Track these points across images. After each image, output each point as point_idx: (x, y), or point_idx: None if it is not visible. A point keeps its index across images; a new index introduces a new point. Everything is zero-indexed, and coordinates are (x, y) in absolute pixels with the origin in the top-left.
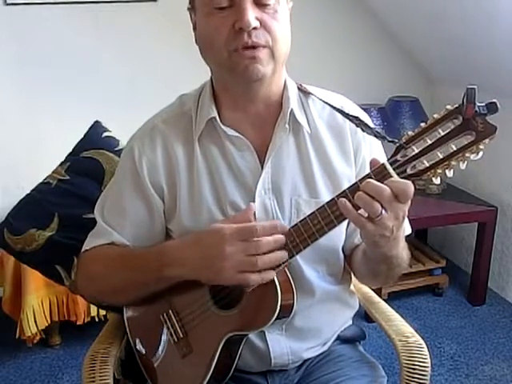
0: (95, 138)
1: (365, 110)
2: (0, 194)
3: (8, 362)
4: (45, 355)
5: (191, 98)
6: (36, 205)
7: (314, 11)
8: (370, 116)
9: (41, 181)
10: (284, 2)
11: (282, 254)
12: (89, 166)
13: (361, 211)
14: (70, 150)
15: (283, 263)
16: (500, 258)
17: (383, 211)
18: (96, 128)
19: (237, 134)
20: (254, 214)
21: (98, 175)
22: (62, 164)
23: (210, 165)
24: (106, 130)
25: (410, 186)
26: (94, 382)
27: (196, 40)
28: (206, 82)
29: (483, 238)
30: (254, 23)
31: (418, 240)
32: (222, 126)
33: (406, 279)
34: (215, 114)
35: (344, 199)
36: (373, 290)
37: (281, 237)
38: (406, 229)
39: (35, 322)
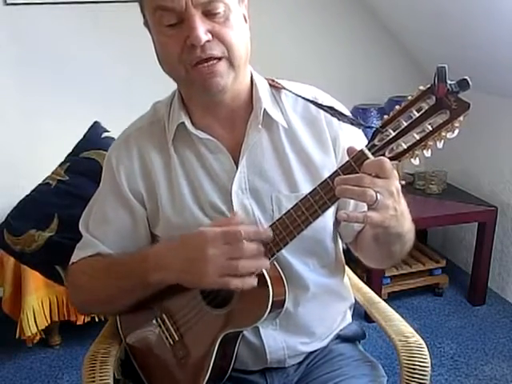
0: (95, 138)
1: (365, 109)
2: None
3: (8, 362)
4: (45, 355)
5: (163, 105)
6: (36, 205)
7: (314, 11)
8: (370, 116)
9: (40, 181)
10: (235, 5)
11: (264, 262)
12: (88, 166)
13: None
14: (70, 150)
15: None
16: (500, 257)
17: (378, 195)
18: (95, 128)
19: (208, 137)
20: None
21: (98, 176)
22: (61, 164)
23: (187, 168)
24: (105, 130)
25: (383, 161)
26: (93, 382)
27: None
28: (176, 89)
29: (483, 238)
30: (205, 37)
31: (418, 240)
32: (193, 130)
33: (406, 279)
34: (184, 118)
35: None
36: (373, 290)
37: (262, 248)
38: None
39: (35, 321)
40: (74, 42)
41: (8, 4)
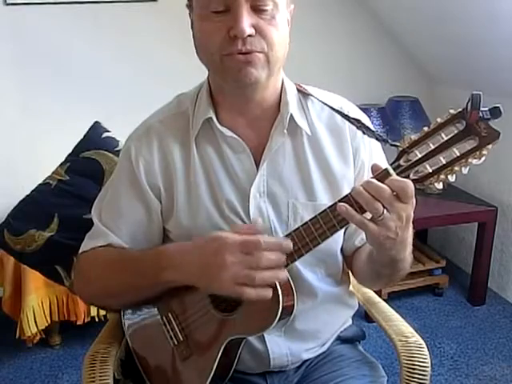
0: (95, 138)
1: (365, 109)
2: None
3: (8, 362)
4: (45, 355)
5: (189, 97)
6: (36, 205)
7: (315, 11)
8: (370, 116)
9: (40, 181)
10: (283, 6)
11: (281, 274)
12: (88, 166)
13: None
14: (70, 150)
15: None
16: (500, 257)
17: (385, 211)
18: (96, 128)
19: (233, 135)
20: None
21: (98, 176)
22: (61, 164)
23: (207, 165)
24: (105, 130)
25: (408, 185)
26: (93, 382)
27: (193, 38)
28: (203, 81)
29: (483, 238)
30: (249, 31)
31: (418, 240)
32: (219, 127)
33: (405, 279)
34: (212, 114)
35: (344, 204)
36: (373, 290)
37: (283, 258)
38: None
39: (35, 322)
40: (74, 41)
41: (8, 4)
